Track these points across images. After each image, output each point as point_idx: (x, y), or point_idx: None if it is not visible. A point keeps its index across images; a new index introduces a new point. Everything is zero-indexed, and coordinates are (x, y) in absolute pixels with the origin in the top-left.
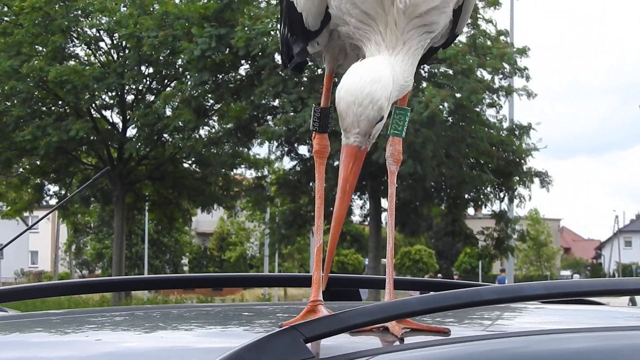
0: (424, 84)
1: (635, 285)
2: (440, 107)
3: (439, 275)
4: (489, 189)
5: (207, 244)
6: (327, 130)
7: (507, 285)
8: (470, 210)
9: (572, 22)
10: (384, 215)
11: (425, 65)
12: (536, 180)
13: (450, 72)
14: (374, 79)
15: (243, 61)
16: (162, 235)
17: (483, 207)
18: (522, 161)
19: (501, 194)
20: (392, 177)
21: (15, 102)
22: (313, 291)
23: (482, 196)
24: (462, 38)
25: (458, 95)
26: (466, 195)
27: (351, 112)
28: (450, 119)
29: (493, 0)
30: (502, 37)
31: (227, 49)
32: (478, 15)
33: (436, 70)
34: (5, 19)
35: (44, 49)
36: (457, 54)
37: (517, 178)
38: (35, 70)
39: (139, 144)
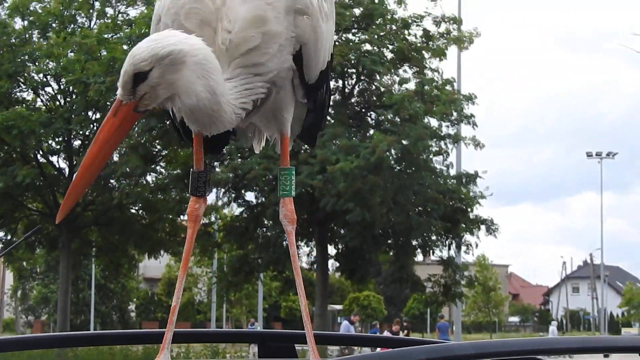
0: (371, 131)
1: (568, 344)
2: (387, 153)
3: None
4: (436, 235)
5: (155, 289)
6: (198, 194)
7: (437, 346)
8: (419, 257)
9: (519, 70)
10: (330, 262)
11: (371, 112)
12: (482, 227)
13: (397, 119)
14: (150, 39)
15: None
16: (109, 281)
17: (431, 253)
18: (469, 209)
19: (448, 241)
20: (291, 237)
21: None
22: (160, 350)
23: (429, 243)
24: (410, 85)
25: (405, 142)
26: (414, 242)
27: (122, 68)
28: (397, 166)
29: (439, 51)
30: (447, 86)
31: None
32: (425, 64)
33: (382, 117)
34: None
35: None
36: (404, 100)
37: (464, 225)
38: None
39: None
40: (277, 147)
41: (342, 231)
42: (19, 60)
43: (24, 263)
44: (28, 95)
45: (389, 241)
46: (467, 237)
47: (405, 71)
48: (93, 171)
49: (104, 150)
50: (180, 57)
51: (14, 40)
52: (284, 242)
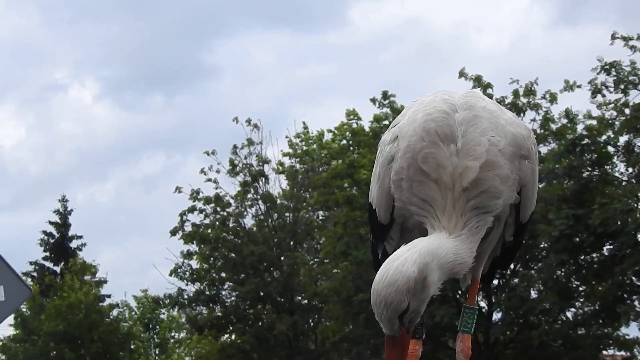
0: None
1: None
2: None
3: None
4: None
5: None
6: (417, 336)
7: None
8: None
9: None
10: None
11: None
12: None
13: None
14: (391, 282)
15: (604, 239)
16: None
17: None
18: None
19: None
20: None
21: None
22: None
23: None
24: None
25: None
26: None
27: (375, 311)
28: None
29: None
30: None
31: (586, 229)
32: None
33: None
34: None
35: None
36: None
37: None
38: None
39: (504, 327)
40: (465, 285)
41: None
42: None
43: None
44: None
45: None
46: None
47: None
48: None
49: None
50: (423, 278)
51: None
52: None
